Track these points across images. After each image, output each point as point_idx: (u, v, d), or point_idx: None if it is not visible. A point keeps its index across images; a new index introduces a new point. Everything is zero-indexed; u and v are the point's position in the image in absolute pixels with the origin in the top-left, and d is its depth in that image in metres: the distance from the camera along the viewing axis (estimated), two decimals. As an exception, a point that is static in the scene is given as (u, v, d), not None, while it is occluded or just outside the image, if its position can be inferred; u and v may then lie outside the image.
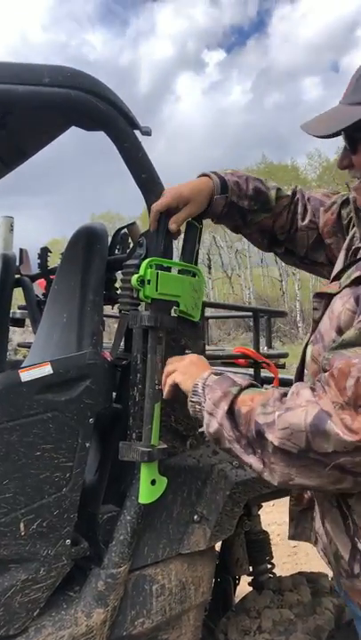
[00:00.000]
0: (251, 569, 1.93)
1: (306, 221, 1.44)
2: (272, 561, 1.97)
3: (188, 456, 1.50)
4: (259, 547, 1.93)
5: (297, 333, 22.49)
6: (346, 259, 1.21)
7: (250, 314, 2.46)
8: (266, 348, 2.46)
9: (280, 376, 2.00)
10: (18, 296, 2.55)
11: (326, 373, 0.94)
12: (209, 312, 3.29)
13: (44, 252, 2.49)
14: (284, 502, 1.46)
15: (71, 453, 1.27)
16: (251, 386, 1.07)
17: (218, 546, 1.82)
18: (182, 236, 1.43)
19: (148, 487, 1.29)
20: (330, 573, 1.44)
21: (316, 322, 1.14)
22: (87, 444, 1.29)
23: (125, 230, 1.66)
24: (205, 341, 1.94)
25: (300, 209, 1.46)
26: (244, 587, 2.02)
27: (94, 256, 1.48)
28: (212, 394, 1.07)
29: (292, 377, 1.30)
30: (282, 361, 2.17)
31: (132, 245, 1.56)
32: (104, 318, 1.61)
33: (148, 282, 1.26)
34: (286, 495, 1.50)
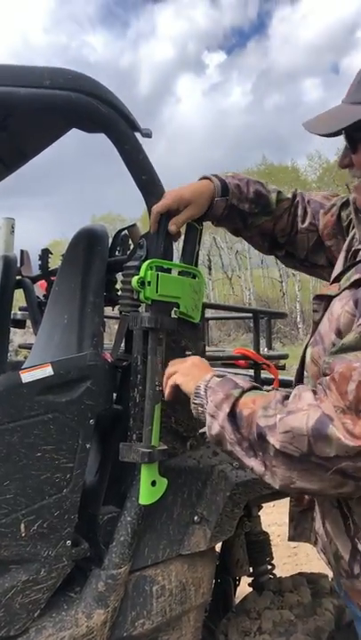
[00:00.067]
0: (251, 570, 1.93)
1: (306, 224, 1.44)
2: (272, 562, 1.97)
3: (188, 457, 1.50)
4: (259, 548, 1.93)
5: (297, 335, 22.48)
6: (346, 260, 1.21)
7: (250, 315, 2.47)
8: (266, 349, 2.46)
9: (280, 377, 2.00)
10: (19, 297, 2.55)
11: (327, 377, 0.94)
12: (209, 313, 3.29)
13: (45, 254, 2.49)
14: (285, 503, 1.46)
15: (72, 454, 1.27)
16: (253, 388, 1.07)
17: (218, 547, 1.82)
18: (183, 237, 1.43)
19: (148, 488, 1.29)
20: (330, 574, 1.44)
21: (317, 324, 1.15)
22: (88, 445, 1.29)
23: (126, 232, 1.66)
24: (206, 342, 1.94)
25: (300, 212, 1.46)
26: (244, 588, 2.02)
27: (95, 257, 1.48)
28: (214, 396, 1.07)
29: (293, 378, 1.31)
30: (282, 362, 2.17)
31: (132, 247, 1.57)
32: (105, 319, 1.61)
33: (149, 283, 1.26)
34: (286, 496, 1.50)
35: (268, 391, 1.07)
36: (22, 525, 1.21)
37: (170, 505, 1.45)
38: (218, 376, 1.13)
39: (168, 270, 1.33)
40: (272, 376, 2.00)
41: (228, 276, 31.01)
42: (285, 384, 1.93)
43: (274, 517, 4.01)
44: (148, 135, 1.33)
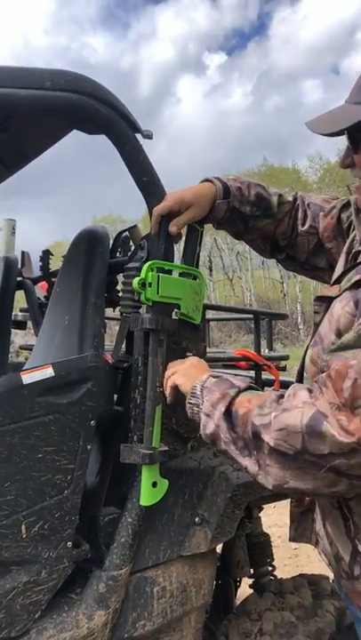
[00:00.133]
0: (252, 571, 1.93)
1: (306, 226, 1.44)
2: (273, 563, 1.97)
3: (189, 458, 1.50)
4: (260, 549, 1.93)
5: (298, 336, 22.48)
6: (346, 262, 1.21)
7: (251, 316, 2.46)
8: (267, 350, 2.46)
9: (281, 378, 2.00)
10: (20, 298, 2.55)
11: (324, 374, 0.94)
12: (210, 314, 3.29)
13: (46, 255, 2.49)
14: (285, 504, 1.46)
15: (72, 456, 1.27)
16: (249, 388, 1.08)
17: (219, 548, 1.82)
18: (184, 239, 1.43)
19: (149, 489, 1.29)
20: (331, 576, 1.44)
21: (317, 325, 1.15)
22: (88, 447, 1.29)
23: (127, 233, 1.66)
24: (206, 344, 1.94)
25: (300, 214, 1.46)
26: (245, 589, 2.02)
27: (96, 259, 1.48)
28: (210, 395, 1.07)
29: (293, 379, 1.31)
30: (283, 363, 2.17)
31: (133, 248, 1.57)
32: (105, 321, 1.62)
33: (150, 284, 1.27)
34: (287, 497, 1.50)
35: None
36: (23, 527, 1.21)
37: (171, 506, 1.45)
38: (214, 376, 1.14)
39: (169, 272, 1.34)
40: (273, 377, 2.00)
41: (229, 277, 31.01)
42: (286, 385, 1.92)
43: (275, 519, 4.01)
44: (148, 136, 1.33)
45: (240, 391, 1.06)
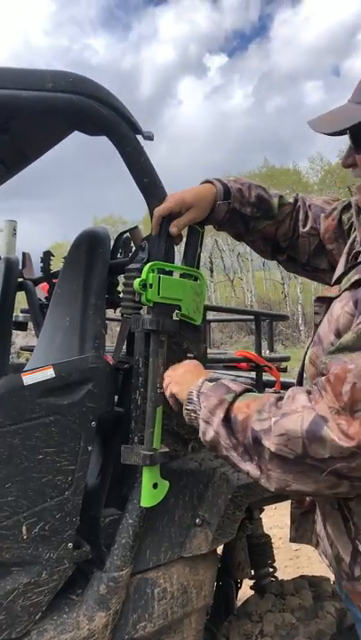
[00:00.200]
0: (253, 572, 1.93)
1: (307, 228, 1.44)
2: (274, 564, 1.97)
3: (189, 459, 1.50)
4: (260, 550, 1.92)
5: (299, 337, 22.47)
6: (346, 263, 1.21)
7: (252, 317, 2.46)
8: (268, 351, 2.46)
9: (282, 379, 2.00)
10: (21, 299, 2.56)
11: (323, 378, 0.94)
12: (211, 315, 3.29)
13: (47, 256, 2.50)
14: (286, 506, 1.46)
15: (73, 457, 1.27)
16: (246, 391, 1.08)
17: (220, 549, 1.82)
18: (185, 240, 1.43)
19: (149, 491, 1.29)
20: (332, 577, 1.44)
21: (318, 326, 1.15)
22: (89, 448, 1.29)
23: (128, 234, 1.66)
24: (207, 345, 1.94)
25: (301, 216, 1.46)
26: (245, 590, 2.02)
27: (97, 260, 1.48)
28: (208, 402, 1.07)
29: (294, 380, 1.31)
30: (284, 364, 2.17)
31: (134, 249, 1.57)
32: (106, 322, 1.62)
33: (150, 285, 1.27)
34: (288, 499, 1.50)
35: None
36: (24, 528, 1.21)
37: (171, 507, 1.45)
38: (210, 380, 1.14)
39: (170, 273, 1.34)
40: (274, 378, 2.00)
41: (230, 278, 31.01)
42: (287, 386, 1.92)
43: (275, 520, 4.00)
44: (149, 138, 1.33)
45: (237, 396, 1.05)
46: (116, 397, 1.42)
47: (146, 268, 1.27)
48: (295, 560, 3.88)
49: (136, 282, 1.26)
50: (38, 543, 1.23)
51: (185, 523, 1.47)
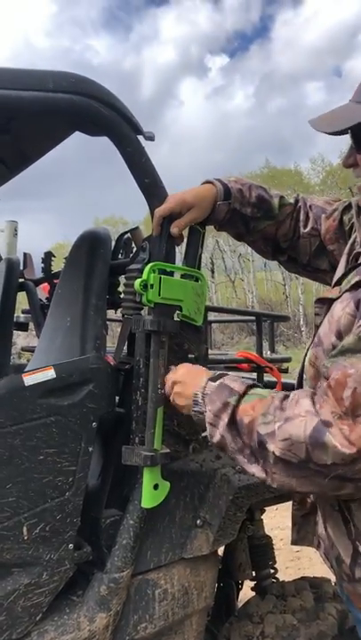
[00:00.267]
0: (254, 574, 1.92)
1: (308, 228, 1.44)
2: (275, 566, 1.97)
3: (190, 460, 1.50)
4: (262, 551, 1.92)
5: (300, 338, 22.46)
6: (347, 263, 1.21)
7: (253, 318, 2.46)
8: (269, 352, 2.46)
9: (283, 380, 2.00)
10: (22, 300, 2.56)
11: (325, 383, 0.95)
12: (212, 316, 3.28)
13: (48, 257, 2.50)
14: (287, 507, 1.46)
15: (74, 457, 1.27)
16: (249, 389, 1.08)
17: (221, 550, 1.81)
18: (186, 240, 1.43)
19: (150, 491, 1.29)
20: (333, 578, 1.44)
21: (318, 327, 1.15)
22: (90, 449, 1.29)
23: (129, 235, 1.66)
24: (208, 345, 1.94)
25: (302, 216, 1.46)
26: (246, 592, 2.02)
27: (98, 260, 1.48)
28: (212, 405, 1.08)
29: (295, 381, 1.31)
30: (285, 365, 2.17)
31: (135, 250, 1.57)
32: (107, 322, 1.62)
33: (151, 286, 1.26)
34: (289, 500, 1.50)
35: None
36: (25, 528, 1.21)
37: (172, 508, 1.44)
38: (212, 379, 1.14)
39: (171, 273, 1.34)
40: (275, 379, 2.00)
41: (231, 279, 31.00)
42: (288, 387, 1.93)
43: (277, 521, 4.00)
44: (150, 138, 1.33)
45: (241, 397, 1.06)
46: (117, 398, 1.42)
47: (147, 268, 1.27)
48: (296, 561, 3.88)
49: (137, 282, 1.26)
50: (39, 544, 1.23)
51: (186, 524, 1.47)
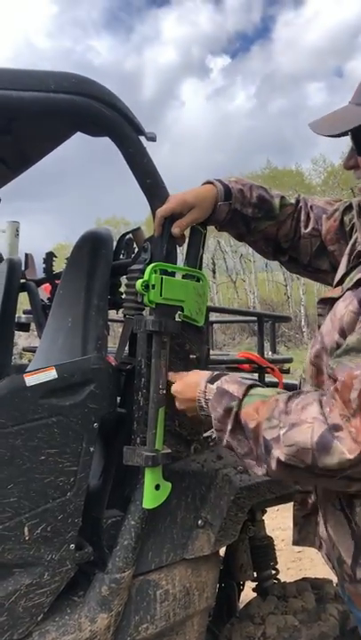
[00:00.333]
0: (255, 575, 1.92)
1: (309, 229, 1.44)
2: (276, 567, 1.96)
3: (192, 461, 1.49)
4: (263, 552, 1.92)
5: (302, 338, 22.43)
6: (348, 263, 1.21)
7: (254, 319, 2.46)
8: (270, 352, 2.45)
9: (285, 381, 2.00)
10: (23, 300, 2.56)
11: (332, 387, 0.95)
12: (213, 317, 3.28)
13: (50, 257, 2.50)
14: (289, 507, 1.45)
15: (75, 458, 1.27)
16: (249, 390, 1.08)
17: (222, 551, 1.81)
18: (187, 241, 1.43)
19: (152, 492, 1.28)
20: (335, 579, 1.44)
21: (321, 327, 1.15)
22: (91, 449, 1.29)
23: (130, 235, 1.66)
24: (210, 346, 1.94)
25: (302, 217, 1.46)
26: (248, 592, 2.02)
27: (99, 261, 1.48)
28: (215, 412, 1.10)
29: (297, 382, 1.31)
30: (286, 366, 2.17)
31: (136, 250, 1.57)
32: (109, 322, 1.62)
33: (153, 286, 1.26)
34: (290, 501, 1.50)
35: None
36: (26, 529, 1.21)
37: (174, 509, 1.44)
38: (210, 380, 1.15)
39: (172, 274, 1.34)
40: (276, 380, 2.00)
41: (233, 279, 30.98)
42: (290, 387, 1.92)
43: (278, 522, 3.99)
44: (152, 139, 1.33)
45: (241, 401, 1.06)
46: (119, 398, 1.42)
47: (148, 269, 1.27)
48: (298, 562, 3.87)
49: (138, 283, 1.26)
50: (40, 544, 1.23)
51: (187, 524, 1.47)
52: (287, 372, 2.15)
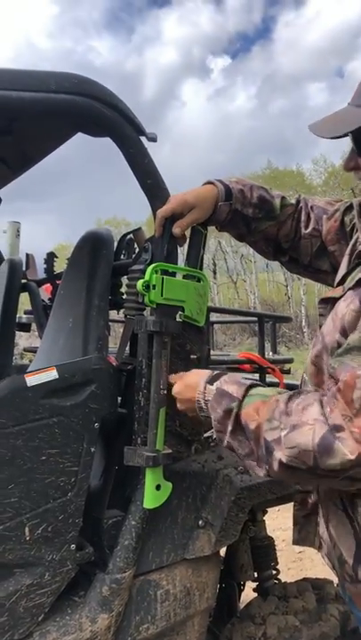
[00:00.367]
0: (256, 575, 1.92)
1: (309, 229, 1.45)
2: (277, 567, 1.96)
3: (192, 461, 1.49)
4: (264, 552, 1.92)
5: (302, 339, 22.42)
6: (349, 263, 1.21)
7: (255, 319, 2.46)
8: (271, 353, 2.45)
9: (285, 381, 2.00)
10: (24, 301, 2.56)
11: (334, 387, 0.95)
12: (214, 317, 3.28)
13: (51, 257, 2.50)
14: (289, 508, 1.45)
15: (76, 458, 1.27)
16: (249, 390, 1.08)
17: (223, 551, 1.81)
18: (188, 241, 1.43)
19: (152, 492, 1.29)
20: (335, 580, 1.43)
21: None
22: (92, 449, 1.29)
23: (131, 236, 1.66)
24: (210, 346, 1.94)
25: (303, 217, 1.46)
26: (248, 593, 2.02)
27: (100, 261, 1.48)
28: (215, 414, 1.10)
29: (298, 382, 1.31)
30: (287, 366, 2.17)
31: (137, 251, 1.57)
32: (110, 323, 1.62)
33: (154, 287, 1.27)
34: (291, 501, 1.50)
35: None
36: (27, 529, 1.21)
37: (174, 509, 1.44)
38: (209, 381, 1.15)
39: (173, 274, 1.34)
40: (277, 380, 2.00)
41: (233, 279, 30.98)
42: (291, 388, 1.92)
43: (279, 522, 3.99)
44: (153, 139, 1.33)
45: (241, 402, 1.06)
46: (120, 399, 1.42)
47: (149, 269, 1.27)
48: (298, 562, 3.87)
49: (139, 283, 1.26)
50: (41, 544, 1.23)
51: (188, 524, 1.47)
52: (288, 372, 2.15)
